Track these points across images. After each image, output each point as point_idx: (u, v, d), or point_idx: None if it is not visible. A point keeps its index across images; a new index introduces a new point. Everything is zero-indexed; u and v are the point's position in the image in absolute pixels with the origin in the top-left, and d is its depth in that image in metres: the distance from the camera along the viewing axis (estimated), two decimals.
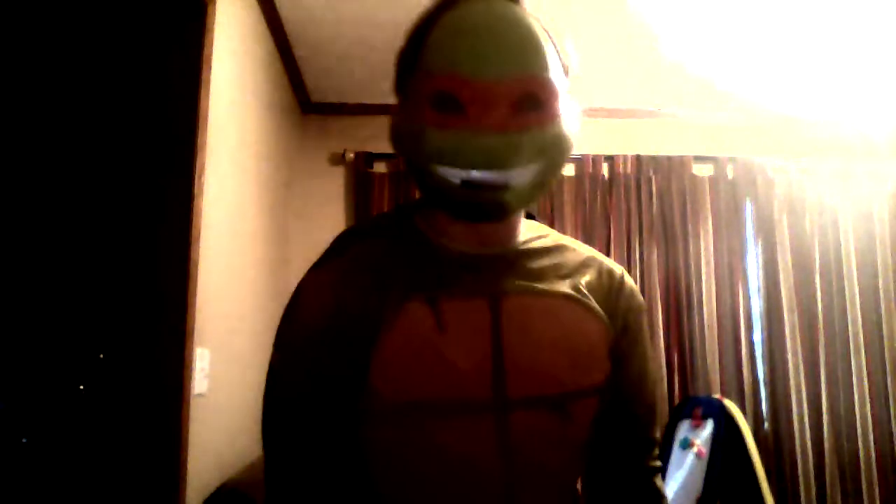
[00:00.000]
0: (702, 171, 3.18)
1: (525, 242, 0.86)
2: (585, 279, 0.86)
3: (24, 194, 1.68)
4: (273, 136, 2.63)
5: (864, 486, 2.90)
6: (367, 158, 3.10)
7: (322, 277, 0.83)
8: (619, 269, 0.91)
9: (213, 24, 1.76)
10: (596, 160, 3.14)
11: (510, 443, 0.76)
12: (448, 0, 0.78)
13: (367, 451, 0.78)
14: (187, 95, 1.67)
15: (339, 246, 0.87)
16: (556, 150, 0.78)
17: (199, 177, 1.67)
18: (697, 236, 3.08)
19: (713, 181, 3.17)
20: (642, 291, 3.02)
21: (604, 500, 0.89)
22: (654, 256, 3.06)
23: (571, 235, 3.05)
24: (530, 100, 0.74)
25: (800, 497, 2.85)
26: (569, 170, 3.16)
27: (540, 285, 0.82)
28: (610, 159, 3.16)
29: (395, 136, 0.80)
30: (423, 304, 0.77)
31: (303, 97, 3.07)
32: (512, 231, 0.85)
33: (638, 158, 3.15)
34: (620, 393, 0.86)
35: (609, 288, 0.87)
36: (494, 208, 0.75)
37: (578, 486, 0.89)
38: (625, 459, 0.89)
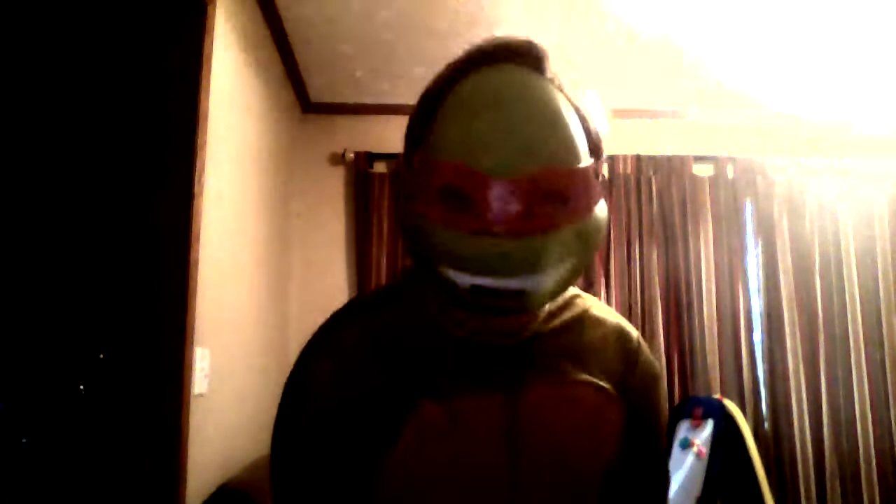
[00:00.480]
0: (702, 171, 3.18)
1: (548, 320, 0.77)
2: (604, 355, 0.79)
3: (25, 195, 1.68)
4: (273, 136, 2.63)
5: (864, 486, 2.89)
6: (367, 158, 3.10)
7: (323, 366, 0.74)
8: (635, 334, 0.84)
9: (213, 24, 1.76)
10: None
11: None
12: (463, 65, 0.68)
13: None
14: (187, 95, 1.67)
15: (341, 321, 0.77)
16: (585, 248, 0.66)
17: (199, 177, 1.67)
18: (697, 236, 3.08)
19: (713, 181, 3.17)
20: (642, 292, 3.03)
21: None
22: (654, 256, 3.06)
23: None
24: (553, 195, 0.63)
25: (800, 497, 2.85)
26: None
27: (561, 373, 0.74)
28: (610, 159, 3.16)
29: (404, 229, 0.71)
30: (437, 406, 0.68)
31: (303, 97, 3.07)
32: (533, 318, 0.75)
33: (638, 158, 3.15)
34: (626, 474, 0.80)
35: (626, 360, 0.80)
36: (512, 312, 0.68)
37: None
38: None
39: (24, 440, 1.57)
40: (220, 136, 1.88)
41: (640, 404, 0.80)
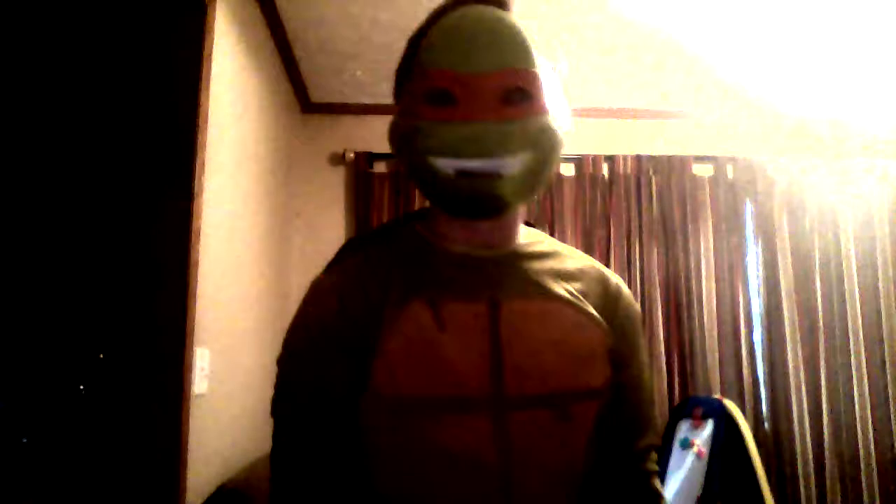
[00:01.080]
0: (702, 171, 3.18)
1: (523, 246, 0.89)
2: (583, 285, 0.88)
3: (25, 194, 1.68)
4: (273, 136, 2.63)
5: (864, 486, 2.89)
6: (367, 158, 3.10)
7: (327, 282, 0.86)
8: (615, 278, 0.93)
9: (213, 23, 1.76)
10: (596, 160, 3.14)
11: (508, 440, 0.77)
12: (442, 9, 0.83)
13: (368, 446, 0.80)
14: (187, 95, 1.67)
15: (344, 252, 0.91)
16: (544, 140, 0.79)
17: (199, 177, 1.67)
18: (697, 236, 3.08)
19: (713, 181, 3.17)
20: (642, 291, 3.03)
21: (603, 501, 0.89)
22: (654, 256, 3.06)
23: (571, 236, 3.06)
24: (518, 92, 0.78)
25: (800, 497, 2.85)
26: (569, 170, 3.16)
27: (538, 289, 0.84)
28: (610, 159, 3.16)
29: (393, 136, 0.84)
30: (424, 305, 0.79)
31: (303, 97, 3.07)
32: (510, 233, 0.87)
33: (638, 158, 3.15)
34: (618, 398, 0.87)
35: (606, 296, 0.89)
36: (490, 200, 0.77)
37: None
38: (623, 462, 0.90)
39: (24, 440, 1.57)
40: (220, 136, 1.88)
41: (625, 336, 0.88)
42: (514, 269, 0.85)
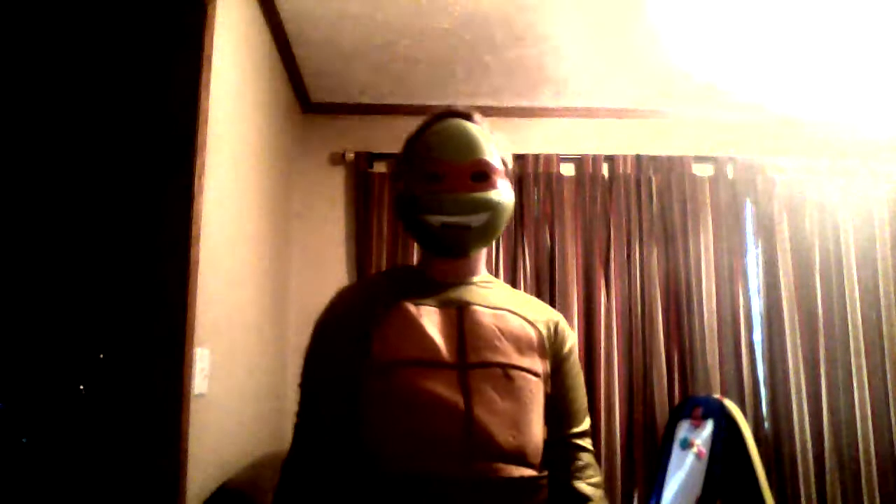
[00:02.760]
0: (702, 171, 3.18)
1: (483, 280, 1.27)
2: (527, 308, 1.24)
3: (25, 194, 1.68)
4: (273, 136, 2.63)
5: (864, 486, 2.89)
6: (367, 158, 3.10)
7: (346, 290, 1.27)
8: (557, 315, 1.29)
9: (213, 24, 1.76)
10: (596, 160, 3.14)
11: (469, 386, 1.10)
12: (430, 121, 1.23)
13: (363, 401, 1.11)
14: (187, 95, 1.67)
15: (360, 277, 1.36)
16: (498, 206, 1.18)
17: (199, 177, 1.67)
18: (697, 236, 3.08)
19: (713, 181, 3.17)
20: (642, 291, 3.03)
21: (553, 461, 1.21)
22: (654, 256, 3.06)
23: (571, 236, 3.06)
24: (481, 174, 1.18)
25: (800, 497, 2.85)
26: (569, 170, 3.16)
27: (492, 302, 1.21)
28: (610, 159, 3.16)
29: (399, 203, 1.23)
30: (410, 303, 1.17)
31: (303, 97, 3.07)
32: (474, 268, 1.26)
33: (638, 158, 3.15)
34: (560, 397, 1.22)
35: (548, 322, 1.24)
36: (462, 244, 1.18)
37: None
38: (564, 437, 1.23)
39: (24, 440, 1.57)
40: (220, 136, 1.88)
41: (563, 367, 1.23)
42: (475, 292, 1.22)
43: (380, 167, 3.13)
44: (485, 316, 1.17)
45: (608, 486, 2.83)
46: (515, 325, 1.19)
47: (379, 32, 2.57)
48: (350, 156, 3.12)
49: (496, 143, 1.23)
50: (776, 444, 2.92)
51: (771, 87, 3.00)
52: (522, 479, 1.10)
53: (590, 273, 3.03)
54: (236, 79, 2.06)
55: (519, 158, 3.09)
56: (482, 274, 1.28)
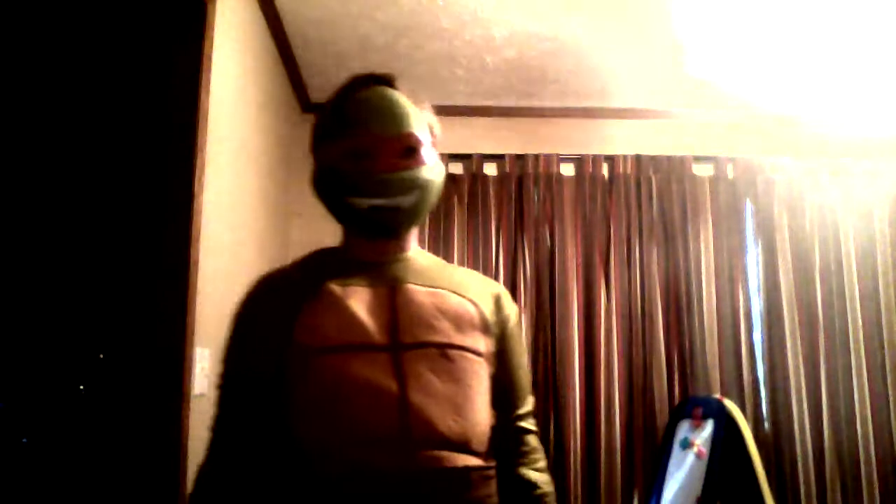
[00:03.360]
0: (702, 171, 3.18)
1: (415, 257, 1.16)
2: (465, 283, 1.15)
3: (25, 195, 1.68)
4: (273, 136, 2.63)
5: (864, 486, 2.89)
6: None
7: (264, 277, 1.15)
8: (498, 287, 1.21)
9: (213, 24, 1.76)
10: (596, 160, 3.14)
11: (403, 369, 1.00)
12: (350, 87, 1.11)
13: (291, 389, 1.02)
14: (187, 95, 1.68)
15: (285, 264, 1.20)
16: (428, 184, 1.09)
17: (199, 177, 1.67)
18: (697, 236, 3.08)
19: (713, 181, 3.17)
20: (642, 291, 3.03)
21: (498, 447, 1.13)
22: (654, 256, 3.05)
23: (571, 236, 3.06)
24: (410, 149, 1.07)
25: (800, 497, 2.85)
26: (569, 170, 3.16)
27: (427, 280, 1.11)
28: (610, 159, 3.16)
29: (319, 182, 1.12)
30: (336, 285, 1.06)
31: (303, 97, 3.07)
32: (404, 246, 1.15)
33: (638, 158, 3.15)
34: (504, 376, 1.15)
35: (493, 300, 1.16)
36: (392, 227, 1.09)
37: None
38: (508, 420, 1.16)
39: (24, 440, 1.57)
40: (220, 136, 1.88)
41: (507, 334, 1.16)
42: (408, 270, 1.12)
43: None
44: (419, 294, 1.08)
45: (608, 486, 2.83)
46: (453, 302, 1.09)
47: (379, 32, 2.57)
48: None
49: (424, 111, 1.13)
50: (776, 444, 2.92)
51: (771, 87, 2.99)
52: (468, 468, 1.01)
53: (590, 273, 3.03)
54: (236, 79, 2.06)
55: (519, 158, 3.09)
56: (413, 249, 1.18)
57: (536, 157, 3.12)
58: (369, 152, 1.05)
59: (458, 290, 1.12)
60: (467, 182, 3.09)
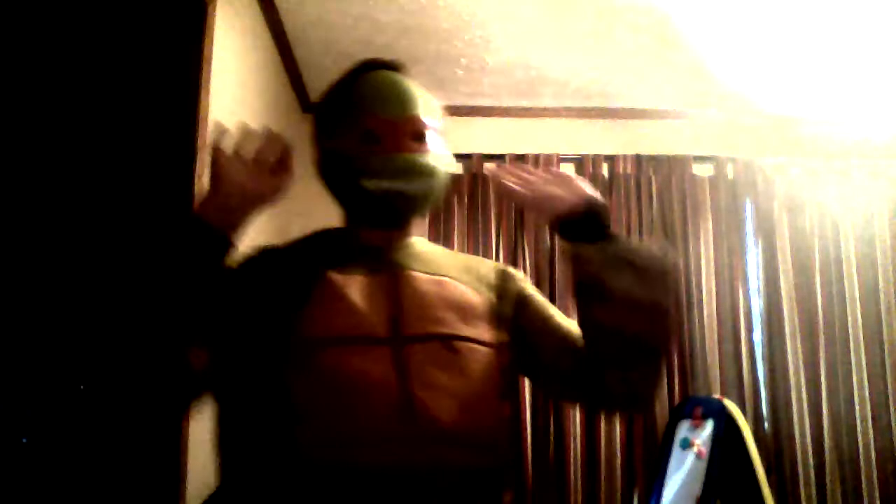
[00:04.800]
0: (702, 171, 3.18)
1: (419, 243, 1.13)
2: (471, 272, 1.11)
3: (25, 194, 1.68)
4: None
5: (864, 486, 2.89)
6: None
7: (274, 250, 1.10)
8: (499, 264, 1.19)
9: (213, 24, 1.76)
10: (596, 160, 3.14)
11: (405, 365, 0.95)
12: (356, 71, 1.10)
13: (290, 378, 0.95)
14: (187, 95, 1.67)
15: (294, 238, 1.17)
16: (438, 172, 1.07)
17: (200, 177, 1.67)
18: (697, 236, 3.08)
19: (713, 181, 3.17)
20: None
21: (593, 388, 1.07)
22: None
23: None
24: (419, 134, 1.05)
25: (800, 497, 2.85)
26: (569, 170, 3.16)
27: (431, 268, 1.07)
28: (610, 159, 3.16)
29: (325, 167, 1.10)
30: (337, 273, 1.01)
31: (303, 97, 3.07)
32: (406, 233, 1.12)
33: (638, 158, 3.15)
34: (554, 334, 1.11)
35: (495, 277, 1.12)
36: (401, 211, 1.06)
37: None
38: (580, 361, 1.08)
39: (24, 440, 1.57)
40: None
41: (526, 301, 1.13)
42: (412, 257, 1.08)
43: None
44: (423, 282, 1.03)
45: (608, 486, 2.83)
46: (458, 290, 1.05)
47: (379, 32, 2.57)
48: None
49: (430, 99, 1.12)
50: (776, 444, 2.92)
51: (771, 87, 2.99)
52: (476, 467, 0.96)
53: None
54: (236, 79, 2.06)
55: (519, 158, 3.09)
56: (415, 237, 1.15)
57: (536, 157, 3.12)
58: (378, 135, 1.03)
59: (462, 277, 1.08)
60: (467, 182, 3.09)
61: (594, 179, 3.12)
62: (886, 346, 3.02)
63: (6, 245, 1.66)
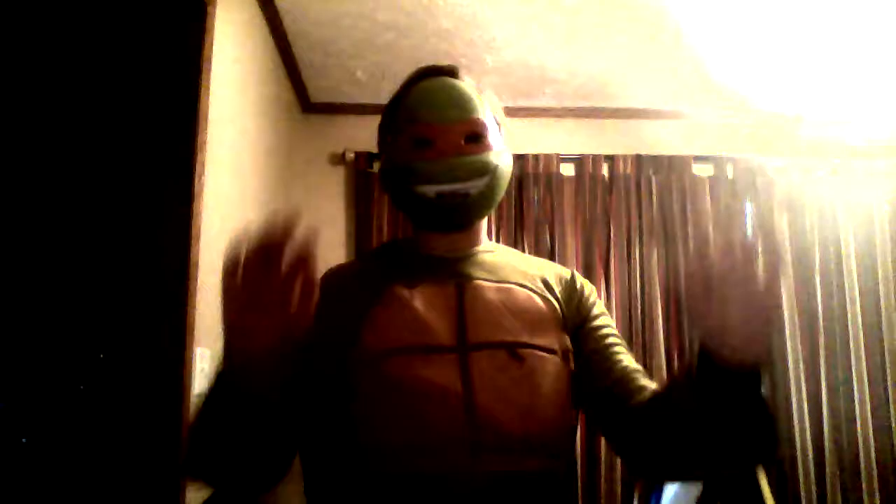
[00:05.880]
0: (702, 171, 3.18)
1: (484, 250, 1.14)
2: (537, 278, 1.11)
3: (25, 194, 1.68)
4: (273, 136, 2.63)
5: (864, 486, 2.89)
6: (367, 158, 3.10)
7: (331, 275, 1.11)
8: (568, 270, 1.17)
9: (213, 24, 1.76)
10: (596, 160, 3.14)
11: (470, 372, 0.96)
12: (411, 81, 1.12)
13: (356, 389, 0.96)
14: (187, 95, 1.67)
15: (357, 255, 1.23)
16: (496, 170, 1.07)
17: (199, 177, 1.67)
18: (697, 236, 3.07)
19: (713, 181, 3.17)
20: (642, 291, 3.03)
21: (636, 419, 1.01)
22: (654, 256, 3.05)
23: (571, 236, 3.06)
24: (474, 135, 1.06)
25: (800, 497, 2.85)
26: (569, 170, 3.16)
27: (496, 276, 1.08)
28: (610, 159, 3.16)
29: (386, 175, 1.11)
30: (402, 286, 1.04)
31: (303, 97, 3.07)
32: (474, 240, 1.14)
33: (638, 158, 3.15)
34: (605, 363, 1.06)
35: (564, 285, 1.13)
36: (460, 215, 1.07)
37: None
38: (631, 389, 1.04)
39: (24, 440, 1.57)
40: (220, 136, 1.88)
41: (591, 315, 1.11)
42: (477, 266, 1.09)
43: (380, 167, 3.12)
44: (488, 291, 1.04)
45: (608, 486, 2.83)
46: (523, 297, 1.05)
47: (379, 32, 2.57)
48: (350, 156, 3.12)
49: (488, 100, 1.12)
50: None
51: (771, 87, 2.99)
52: (540, 472, 0.95)
53: (590, 273, 3.03)
54: (236, 79, 2.06)
55: (519, 158, 3.09)
56: (484, 244, 1.16)
57: (536, 156, 3.12)
58: (429, 140, 1.05)
59: (529, 284, 1.08)
60: None
61: (594, 179, 3.12)
62: (886, 346, 3.02)
63: (6, 245, 1.66)
